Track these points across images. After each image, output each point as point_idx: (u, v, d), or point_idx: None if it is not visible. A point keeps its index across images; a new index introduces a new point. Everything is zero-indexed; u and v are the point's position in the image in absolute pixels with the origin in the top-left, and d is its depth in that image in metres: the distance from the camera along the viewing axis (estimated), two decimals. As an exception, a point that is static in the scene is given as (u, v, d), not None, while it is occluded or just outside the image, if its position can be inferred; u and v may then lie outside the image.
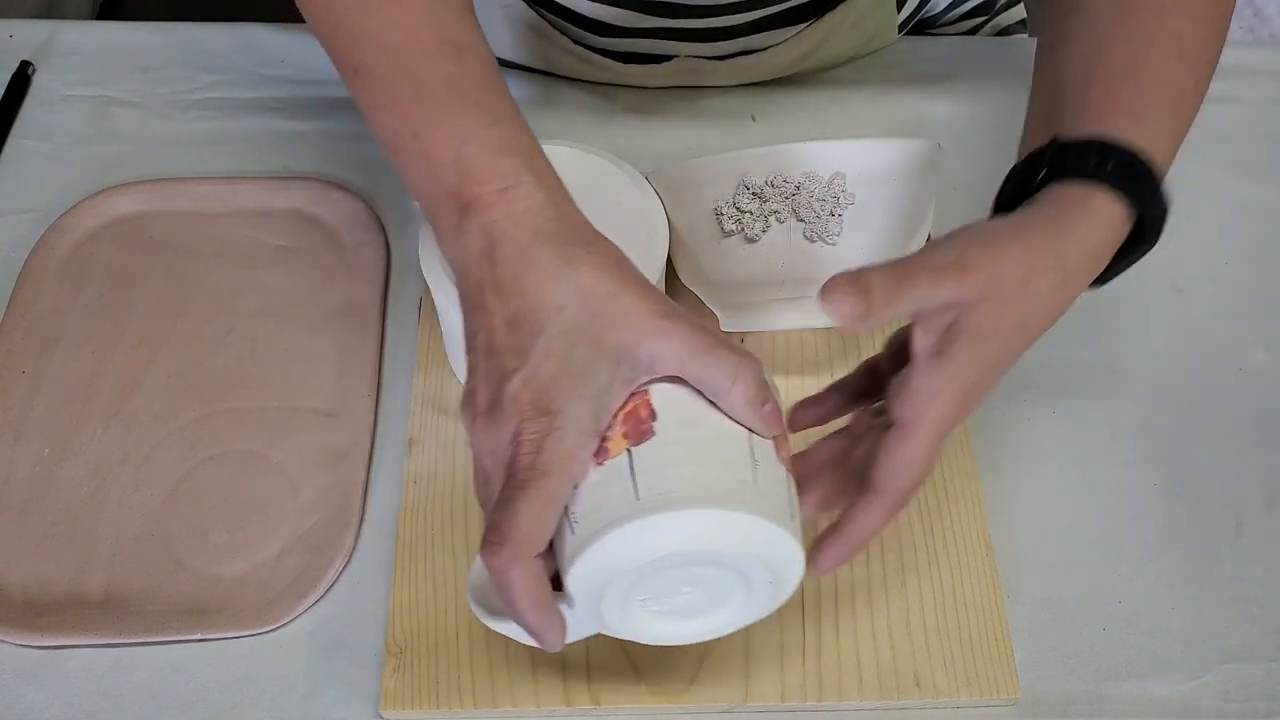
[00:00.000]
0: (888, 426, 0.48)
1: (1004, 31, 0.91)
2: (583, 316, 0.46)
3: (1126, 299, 0.72)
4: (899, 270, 0.46)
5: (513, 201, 0.48)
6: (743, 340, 0.69)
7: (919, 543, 0.62)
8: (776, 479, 0.48)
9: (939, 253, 0.48)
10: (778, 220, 0.60)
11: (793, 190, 0.59)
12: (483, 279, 0.48)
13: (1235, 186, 0.78)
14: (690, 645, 0.59)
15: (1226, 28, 0.56)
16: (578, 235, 0.48)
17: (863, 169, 0.60)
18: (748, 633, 0.59)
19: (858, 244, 0.61)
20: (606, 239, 0.49)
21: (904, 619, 0.60)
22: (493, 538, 0.46)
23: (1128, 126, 0.51)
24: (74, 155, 0.79)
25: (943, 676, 0.58)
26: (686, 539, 0.46)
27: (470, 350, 0.49)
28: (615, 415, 0.47)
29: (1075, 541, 0.64)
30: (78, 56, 0.85)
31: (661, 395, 0.47)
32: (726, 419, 0.47)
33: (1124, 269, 0.53)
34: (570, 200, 0.50)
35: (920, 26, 0.89)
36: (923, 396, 0.47)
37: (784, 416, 0.50)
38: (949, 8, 0.89)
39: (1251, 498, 0.65)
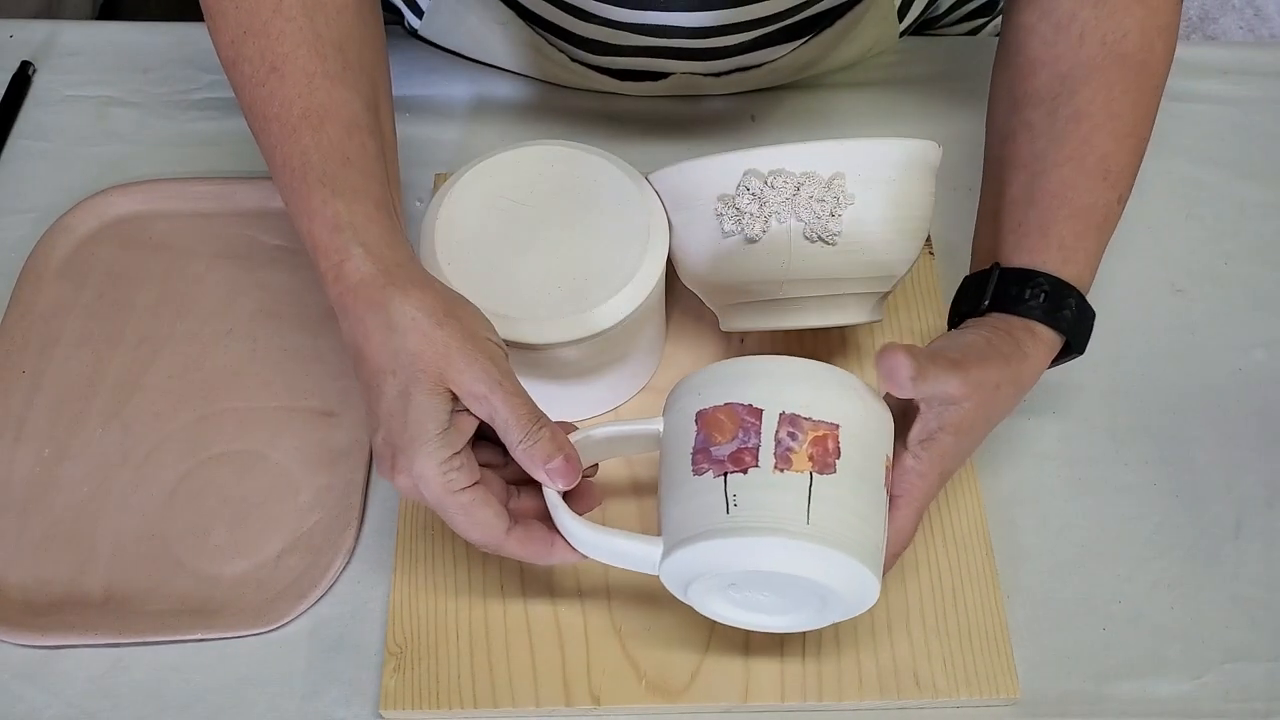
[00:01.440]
0: None
1: (1004, 31, 0.91)
2: (411, 376, 0.52)
3: (1126, 299, 0.72)
4: (930, 354, 0.53)
5: (346, 276, 0.54)
6: (743, 340, 0.69)
7: (919, 543, 0.62)
8: (882, 534, 0.53)
9: (948, 349, 0.56)
10: (778, 220, 0.60)
11: (793, 190, 0.59)
12: (346, 344, 0.55)
13: (1235, 186, 0.78)
14: (690, 645, 0.59)
15: (1148, 131, 0.62)
16: (403, 299, 0.53)
17: (863, 169, 0.60)
18: (748, 632, 0.59)
19: (858, 244, 0.60)
20: (436, 290, 0.54)
21: (904, 619, 0.60)
22: (479, 548, 0.55)
23: (1060, 261, 0.59)
24: (74, 155, 0.79)
25: (943, 676, 0.58)
26: (825, 574, 0.50)
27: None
28: (805, 433, 0.50)
29: (1075, 541, 0.64)
30: (78, 57, 0.85)
31: (848, 439, 0.51)
32: (881, 482, 0.52)
33: (1060, 364, 0.61)
34: (402, 260, 0.55)
35: (922, 26, 0.89)
36: (913, 476, 0.55)
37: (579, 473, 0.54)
38: (951, 8, 0.88)
39: (1251, 498, 0.65)
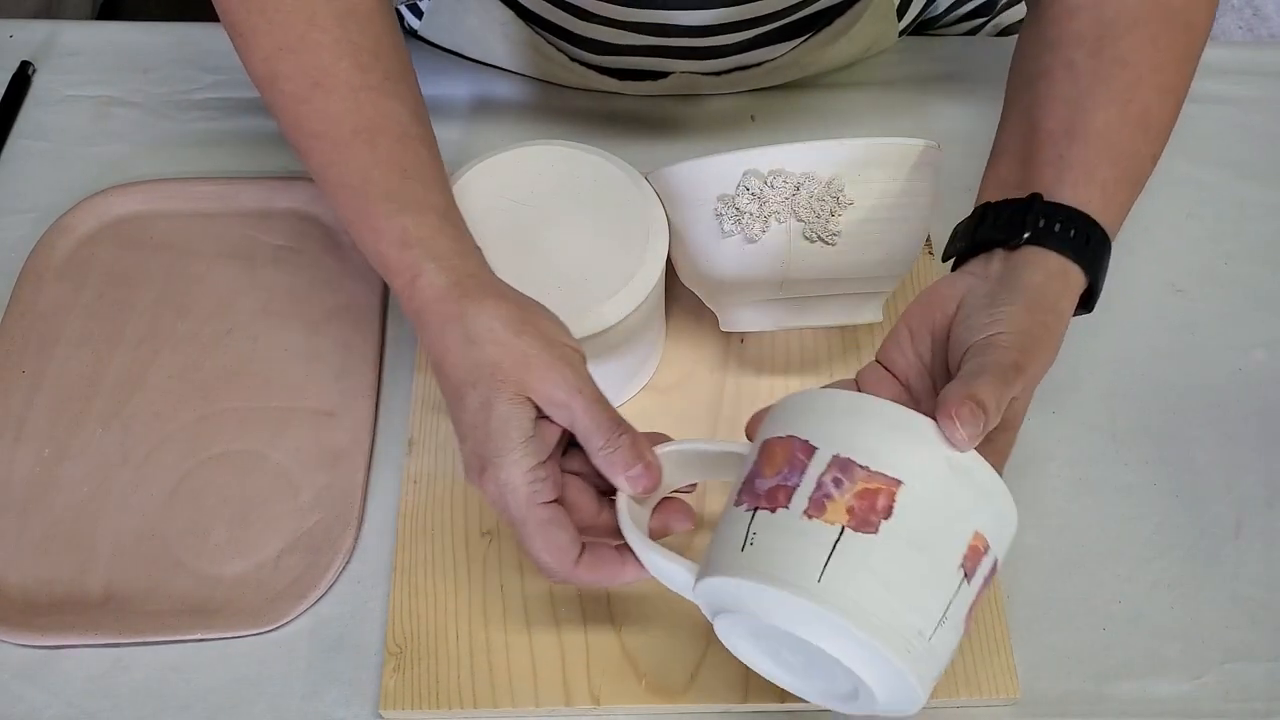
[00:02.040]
0: None
1: (1005, 31, 0.91)
2: (493, 389, 0.52)
3: (1126, 299, 0.72)
4: (989, 379, 0.49)
5: (420, 292, 0.54)
6: (743, 341, 0.69)
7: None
8: (949, 643, 0.47)
9: (1000, 353, 0.51)
10: (777, 220, 0.60)
11: (792, 190, 0.59)
12: (428, 357, 0.56)
13: (1235, 186, 0.78)
14: (690, 645, 0.59)
15: (1184, 97, 0.60)
16: (479, 311, 0.53)
17: (862, 169, 0.60)
18: (748, 633, 0.59)
19: (857, 244, 0.60)
20: (511, 299, 0.54)
21: (904, 619, 0.60)
22: (546, 575, 0.54)
23: (1102, 205, 0.55)
24: (74, 155, 0.79)
25: (943, 676, 0.58)
26: (834, 647, 0.45)
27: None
28: (854, 482, 0.45)
29: (1075, 541, 0.64)
30: (78, 57, 0.85)
31: (910, 502, 0.45)
32: (954, 567, 0.46)
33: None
34: (475, 269, 0.55)
35: (921, 27, 0.89)
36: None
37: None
38: (950, 8, 0.88)
39: (1251, 498, 0.65)
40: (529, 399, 0.52)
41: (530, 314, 0.54)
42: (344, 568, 0.62)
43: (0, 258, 0.74)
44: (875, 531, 0.44)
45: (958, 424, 0.46)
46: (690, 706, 0.58)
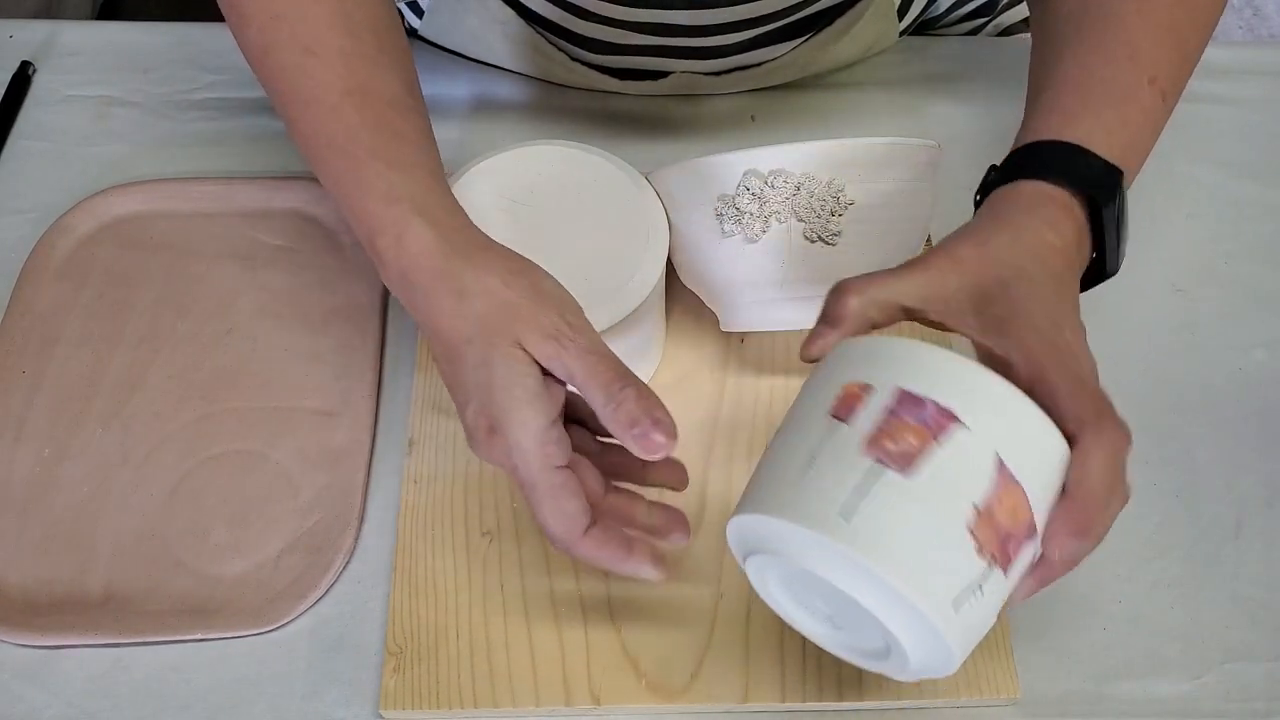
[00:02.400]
0: None
1: (1006, 31, 0.91)
2: (487, 342, 0.50)
3: (1126, 299, 0.72)
4: (839, 285, 0.51)
5: (406, 249, 0.53)
6: (743, 341, 0.69)
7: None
8: (987, 615, 0.46)
9: (928, 255, 0.52)
10: (778, 220, 0.60)
11: (793, 190, 0.59)
12: (417, 322, 0.53)
13: (1235, 186, 0.78)
14: (690, 645, 0.59)
15: (1197, 39, 0.58)
16: (465, 265, 0.52)
17: (863, 169, 0.60)
18: (748, 633, 0.59)
19: (858, 244, 0.60)
20: (500, 252, 0.53)
21: (904, 619, 0.60)
22: (552, 543, 0.52)
23: (1062, 124, 0.54)
24: (74, 155, 0.79)
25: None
26: (866, 594, 0.44)
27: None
28: (899, 417, 0.44)
29: (1075, 541, 0.64)
30: (78, 57, 0.85)
31: (966, 443, 0.43)
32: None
33: (1109, 237, 0.55)
34: (463, 226, 0.54)
35: (922, 27, 0.89)
36: (1039, 364, 0.48)
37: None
38: (951, 8, 0.88)
39: (1251, 498, 0.65)
40: (528, 352, 0.50)
41: (521, 266, 0.53)
42: (344, 568, 0.62)
43: (0, 258, 0.74)
44: (913, 471, 0.43)
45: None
46: (690, 706, 0.58)
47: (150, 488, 0.64)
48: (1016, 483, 0.44)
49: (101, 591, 0.61)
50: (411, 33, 0.85)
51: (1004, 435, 0.45)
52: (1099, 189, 0.53)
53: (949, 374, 0.45)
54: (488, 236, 0.55)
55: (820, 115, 0.81)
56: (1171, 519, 0.65)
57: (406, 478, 0.64)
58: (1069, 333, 0.50)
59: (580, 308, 0.53)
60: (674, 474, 0.55)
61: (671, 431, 0.49)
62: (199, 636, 0.60)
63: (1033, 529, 0.45)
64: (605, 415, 0.50)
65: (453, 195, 0.56)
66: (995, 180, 0.55)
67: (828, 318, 0.52)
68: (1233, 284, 0.74)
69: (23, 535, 0.63)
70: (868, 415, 0.45)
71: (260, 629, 0.60)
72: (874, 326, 0.52)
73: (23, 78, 0.83)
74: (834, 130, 0.80)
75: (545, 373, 0.51)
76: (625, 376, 0.50)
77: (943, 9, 0.88)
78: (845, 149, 0.60)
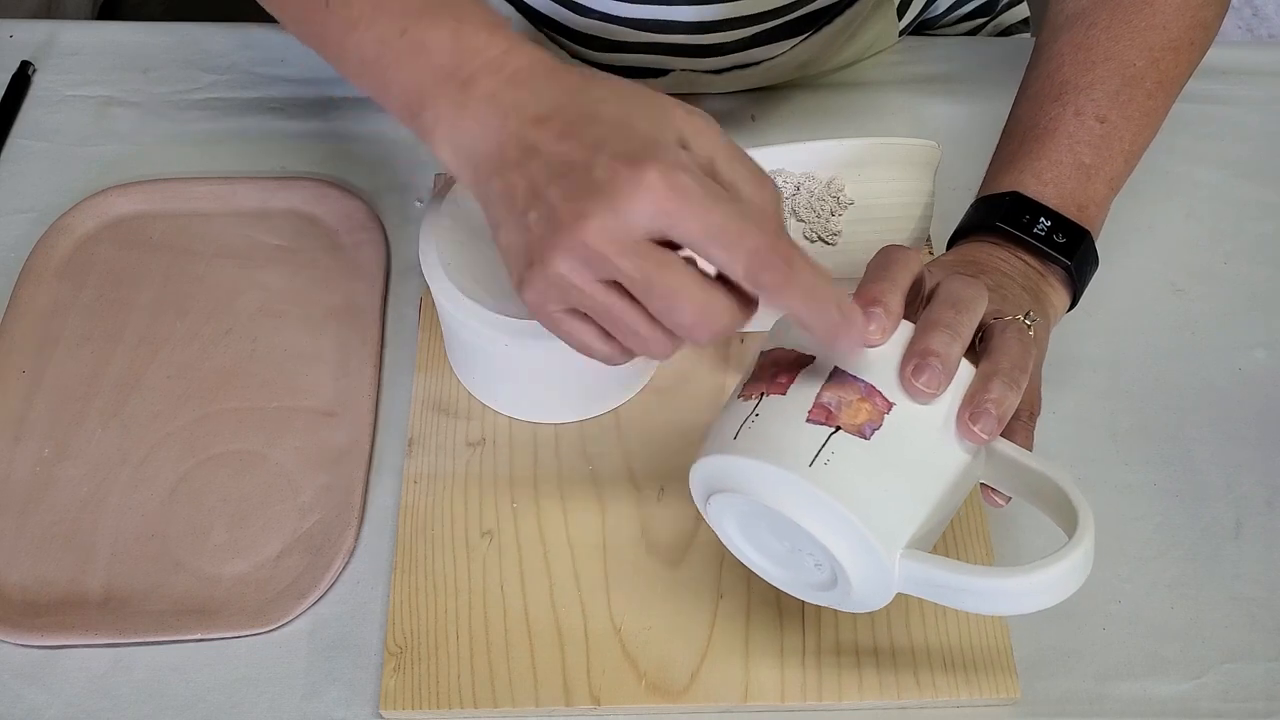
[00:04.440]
0: None
1: (1005, 31, 0.91)
2: (626, 100, 0.46)
3: (1126, 299, 0.72)
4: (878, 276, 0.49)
5: (519, 56, 0.49)
6: (743, 341, 0.69)
7: (919, 543, 0.62)
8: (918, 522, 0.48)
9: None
10: (778, 220, 0.60)
11: (793, 190, 0.59)
12: (506, 135, 0.47)
13: (1235, 186, 0.78)
14: (690, 645, 0.59)
15: (1128, 67, 0.61)
16: (594, 72, 0.48)
17: (862, 169, 0.60)
18: (748, 633, 0.59)
19: (858, 244, 0.60)
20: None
21: (904, 619, 0.60)
22: (657, 332, 0.46)
23: (1010, 178, 0.58)
24: (74, 155, 0.79)
25: (943, 676, 0.58)
26: (825, 532, 0.47)
27: (524, 202, 0.46)
28: (856, 388, 0.47)
29: (1075, 541, 0.64)
30: (78, 56, 0.85)
31: (900, 420, 0.47)
32: (943, 487, 0.48)
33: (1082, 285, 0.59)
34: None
35: (921, 27, 0.89)
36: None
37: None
38: (951, 8, 0.88)
39: (1251, 498, 0.65)
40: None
41: None
42: (344, 568, 0.62)
43: (0, 258, 0.74)
44: (867, 439, 0.47)
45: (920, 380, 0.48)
46: (690, 706, 0.58)
47: (150, 488, 0.64)
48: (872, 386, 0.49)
49: (101, 591, 0.61)
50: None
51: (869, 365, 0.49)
52: (1016, 217, 0.57)
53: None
54: None
55: (820, 115, 0.81)
56: (1171, 519, 0.65)
57: (406, 478, 0.64)
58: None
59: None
60: None
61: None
62: (199, 636, 0.60)
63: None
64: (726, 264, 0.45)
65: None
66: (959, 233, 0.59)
67: (886, 309, 0.48)
68: (1233, 284, 0.74)
69: (22, 535, 0.63)
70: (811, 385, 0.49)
71: (260, 629, 0.60)
72: None
73: (23, 77, 0.83)
74: (834, 130, 0.80)
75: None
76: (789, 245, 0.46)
77: (942, 9, 0.88)
78: (845, 149, 0.60)
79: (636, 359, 0.66)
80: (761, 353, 0.51)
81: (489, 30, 0.50)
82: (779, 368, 0.50)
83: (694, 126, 0.45)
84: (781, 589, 0.54)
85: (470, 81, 0.49)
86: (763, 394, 0.49)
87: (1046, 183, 0.58)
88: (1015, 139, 0.60)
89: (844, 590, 0.50)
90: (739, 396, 0.50)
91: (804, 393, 0.48)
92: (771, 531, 0.51)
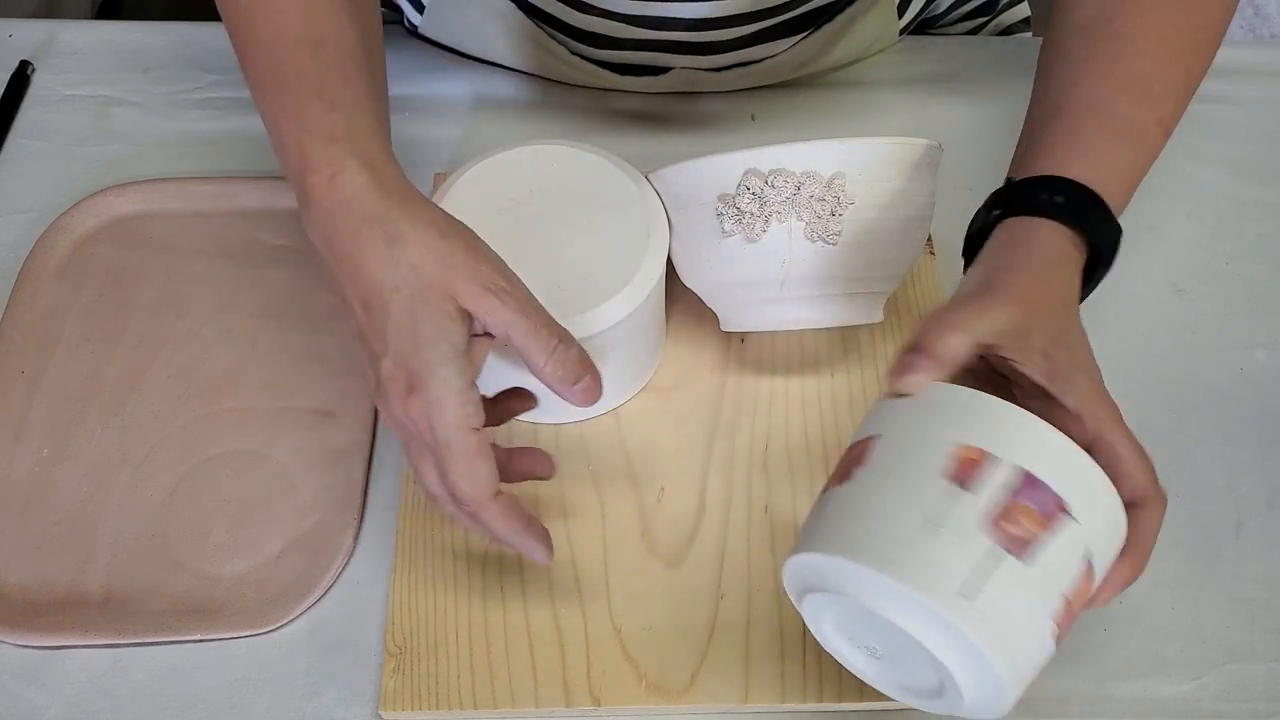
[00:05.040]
0: None
1: (1006, 31, 0.91)
2: (418, 291, 0.49)
3: (1126, 299, 0.72)
4: (939, 319, 0.49)
5: (339, 188, 0.51)
6: (743, 341, 0.69)
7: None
8: (1049, 650, 0.47)
9: (963, 293, 0.51)
10: (778, 220, 0.60)
11: (793, 190, 0.59)
12: (332, 266, 0.52)
13: (1235, 186, 0.78)
14: (690, 646, 0.59)
15: (1198, 64, 0.59)
16: (402, 212, 0.51)
17: (863, 169, 0.60)
18: (748, 633, 0.59)
19: (858, 244, 0.60)
20: (431, 207, 0.52)
21: (904, 619, 0.60)
22: (452, 505, 0.51)
23: (1082, 164, 0.55)
24: (73, 155, 0.79)
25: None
26: (931, 638, 0.45)
27: (356, 337, 0.53)
28: (1020, 500, 0.45)
29: (1075, 541, 0.64)
30: (77, 56, 0.85)
31: (1072, 536, 0.45)
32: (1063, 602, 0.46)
33: (1091, 289, 0.57)
34: (400, 177, 0.53)
35: (922, 26, 0.89)
36: (1088, 407, 0.50)
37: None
38: (951, 8, 0.88)
39: (1251, 498, 0.65)
40: (459, 306, 0.49)
41: (456, 223, 0.52)
42: (344, 568, 0.62)
43: (0, 258, 0.74)
44: (1030, 556, 0.45)
45: (899, 377, 0.48)
46: (690, 706, 0.58)
47: (150, 488, 0.64)
48: (1094, 576, 0.48)
49: (101, 592, 0.61)
50: (411, 31, 0.85)
51: (1099, 533, 0.47)
52: (1106, 242, 0.55)
53: (1067, 463, 0.47)
54: (420, 191, 0.54)
55: (820, 114, 0.81)
56: (1171, 519, 0.64)
57: (406, 478, 0.64)
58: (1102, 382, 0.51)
59: (509, 268, 0.53)
60: (541, 464, 0.57)
61: (601, 386, 0.52)
62: (199, 637, 0.60)
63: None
64: (543, 369, 0.50)
65: (390, 148, 0.55)
66: (1016, 200, 0.55)
67: (927, 353, 0.49)
68: (1233, 284, 0.74)
69: (22, 535, 0.63)
70: (989, 491, 0.45)
71: (260, 629, 0.60)
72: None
73: (22, 77, 0.83)
74: (834, 130, 0.80)
75: (471, 333, 0.50)
76: (562, 332, 0.51)
77: (943, 8, 0.88)
78: (845, 149, 0.60)
79: (638, 358, 0.66)
80: (955, 449, 0.46)
81: (323, 145, 0.52)
82: (953, 463, 0.46)
83: (479, 307, 0.50)
84: (869, 682, 0.52)
85: (306, 198, 0.52)
86: (1008, 550, 0.45)
87: (1123, 192, 0.57)
88: (1099, 126, 0.57)
89: (953, 703, 0.48)
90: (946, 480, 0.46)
91: (977, 501, 0.45)
92: (876, 632, 0.48)
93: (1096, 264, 0.55)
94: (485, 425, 0.51)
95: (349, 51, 0.56)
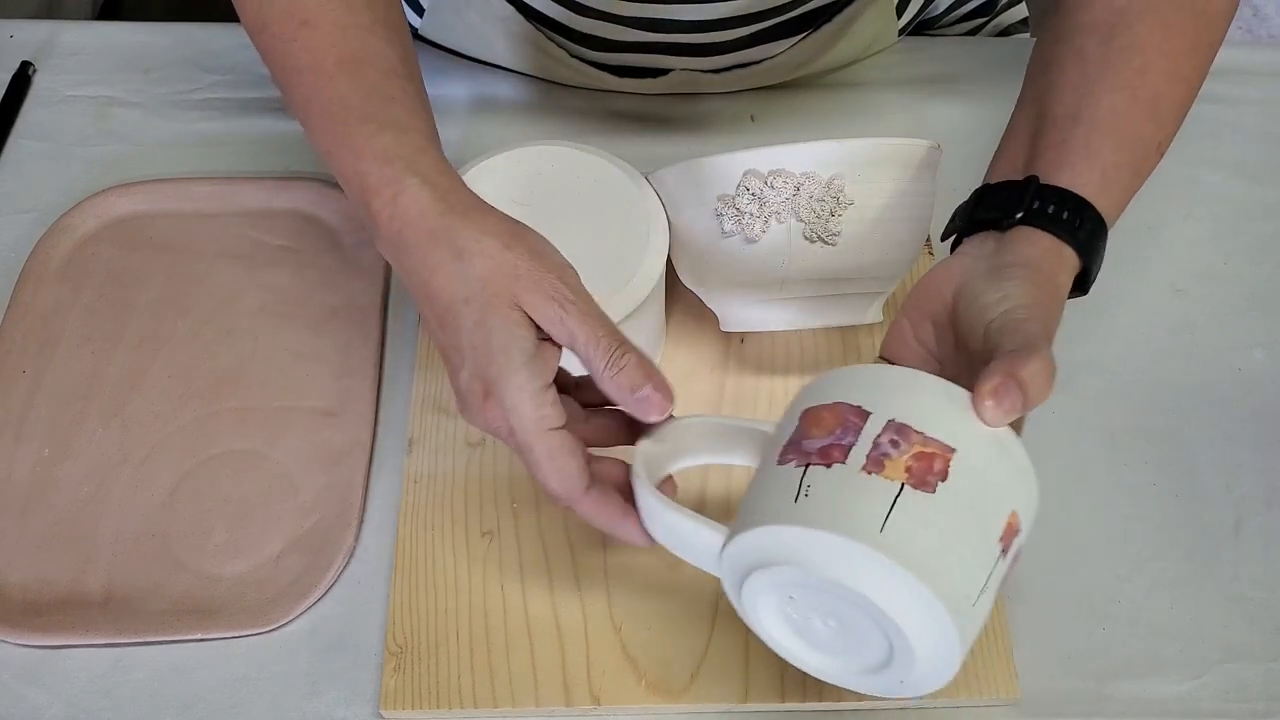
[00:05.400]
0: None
1: (1005, 31, 0.91)
2: (486, 303, 0.50)
3: (1126, 299, 0.72)
4: (1030, 357, 0.48)
5: (404, 209, 0.52)
6: (743, 341, 0.69)
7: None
8: (984, 611, 0.47)
9: (1028, 327, 0.50)
10: (778, 220, 0.60)
11: (793, 190, 0.59)
12: (409, 285, 0.53)
13: (1235, 186, 0.78)
14: (690, 645, 0.59)
15: (1198, 85, 0.60)
16: (466, 225, 0.52)
17: (863, 169, 0.60)
18: (748, 633, 0.59)
19: (858, 244, 0.60)
20: (497, 215, 0.53)
21: (904, 619, 0.60)
22: (552, 500, 0.52)
23: (1100, 189, 0.55)
24: (74, 155, 0.79)
25: (943, 676, 0.58)
26: (889, 598, 0.45)
27: (438, 351, 0.54)
28: (910, 445, 0.45)
29: (1075, 541, 0.64)
30: (78, 57, 0.85)
31: (962, 467, 0.45)
32: (995, 540, 0.46)
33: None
34: (459, 188, 0.54)
35: (921, 27, 0.89)
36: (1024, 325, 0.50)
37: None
38: (950, 8, 0.88)
39: (1251, 498, 0.65)
40: (526, 314, 0.50)
41: (519, 229, 0.53)
42: (344, 568, 0.62)
43: (0, 258, 0.74)
44: (933, 492, 0.45)
45: (996, 402, 0.46)
46: (690, 706, 0.58)
47: (150, 488, 0.65)
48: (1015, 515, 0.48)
49: (102, 591, 0.61)
50: (412, 32, 0.85)
51: (978, 451, 0.47)
52: (1092, 259, 0.55)
53: (946, 397, 0.48)
54: (482, 199, 0.54)
55: (820, 115, 0.81)
56: (1171, 519, 0.65)
57: (406, 478, 0.64)
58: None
59: (577, 273, 0.53)
60: (672, 489, 0.55)
61: (670, 395, 0.51)
62: (199, 636, 0.60)
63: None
64: (605, 379, 0.50)
65: (445, 159, 0.55)
66: (1039, 210, 0.55)
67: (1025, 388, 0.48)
68: (1232, 284, 0.74)
69: (23, 535, 0.63)
70: (878, 442, 0.46)
71: (260, 629, 0.60)
72: None
73: (23, 78, 0.83)
74: (834, 130, 0.80)
75: (541, 337, 0.51)
76: (625, 342, 0.51)
77: (942, 9, 0.88)
78: (845, 149, 0.60)
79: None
80: (803, 412, 0.48)
81: (380, 166, 0.53)
82: (825, 425, 0.47)
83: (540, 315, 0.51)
84: (822, 678, 0.51)
85: (374, 222, 0.54)
86: (809, 461, 0.46)
87: (1112, 208, 0.57)
88: (1114, 145, 0.57)
89: (903, 668, 0.47)
90: (778, 462, 0.47)
91: (860, 450, 0.46)
92: (817, 610, 0.48)
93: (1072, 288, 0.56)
94: (590, 445, 0.53)
95: (389, 71, 0.57)
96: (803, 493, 0.46)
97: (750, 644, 0.59)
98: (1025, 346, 0.48)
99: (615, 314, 0.61)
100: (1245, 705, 0.59)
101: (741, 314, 0.64)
